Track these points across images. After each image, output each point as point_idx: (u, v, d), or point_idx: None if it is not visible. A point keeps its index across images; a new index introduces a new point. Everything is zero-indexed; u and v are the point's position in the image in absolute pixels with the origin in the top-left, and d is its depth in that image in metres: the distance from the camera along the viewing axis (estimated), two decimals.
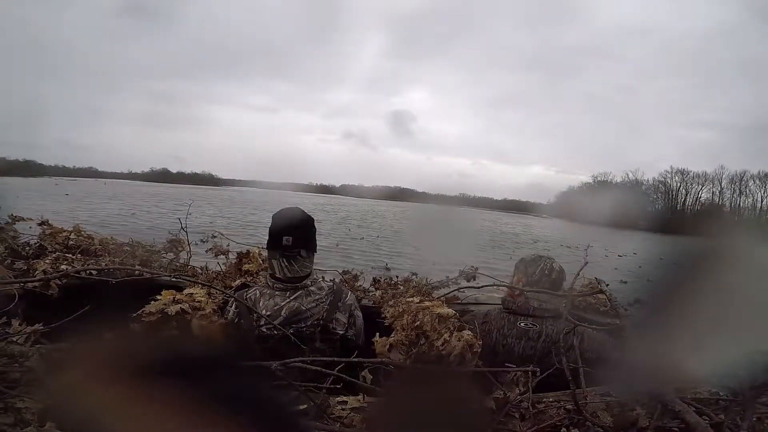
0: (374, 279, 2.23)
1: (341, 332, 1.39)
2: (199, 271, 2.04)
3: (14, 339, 1.00)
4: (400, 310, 1.39)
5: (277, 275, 1.34)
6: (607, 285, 1.48)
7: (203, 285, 1.49)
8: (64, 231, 2.10)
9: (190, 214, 2.39)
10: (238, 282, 1.73)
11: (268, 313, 1.30)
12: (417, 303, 1.38)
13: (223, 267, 1.97)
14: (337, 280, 1.43)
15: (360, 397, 0.94)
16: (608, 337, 1.40)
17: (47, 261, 1.77)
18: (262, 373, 0.87)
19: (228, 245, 2.22)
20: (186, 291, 1.27)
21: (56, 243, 2.01)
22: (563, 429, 0.86)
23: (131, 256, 2.04)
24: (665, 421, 0.84)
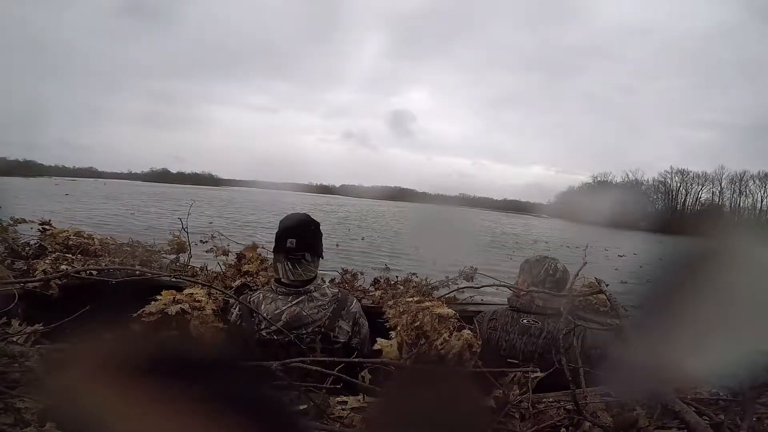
0: (374, 279, 2.23)
1: (343, 340, 1.37)
2: (199, 271, 2.04)
3: (14, 339, 1.00)
4: (400, 310, 1.39)
5: (282, 278, 1.35)
6: (607, 285, 1.49)
7: (203, 285, 1.49)
8: (64, 231, 2.10)
9: (190, 215, 2.39)
10: (238, 282, 1.72)
11: (269, 317, 1.30)
12: (417, 303, 1.38)
13: (223, 267, 1.97)
14: (342, 292, 1.42)
15: (360, 397, 0.93)
16: (609, 334, 1.41)
17: (47, 261, 1.77)
18: (262, 374, 0.87)
19: (228, 245, 2.22)
20: (186, 291, 1.27)
21: (56, 243, 2.01)
22: (563, 429, 0.86)
23: (131, 256, 2.04)
24: (665, 421, 0.85)
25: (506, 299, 1.69)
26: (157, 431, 0.29)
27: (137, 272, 1.70)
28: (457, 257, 2.26)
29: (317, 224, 1.44)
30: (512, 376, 1.06)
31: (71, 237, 2.05)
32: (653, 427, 0.83)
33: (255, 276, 1.78)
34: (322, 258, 1.44)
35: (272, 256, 2.00)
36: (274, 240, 1.41)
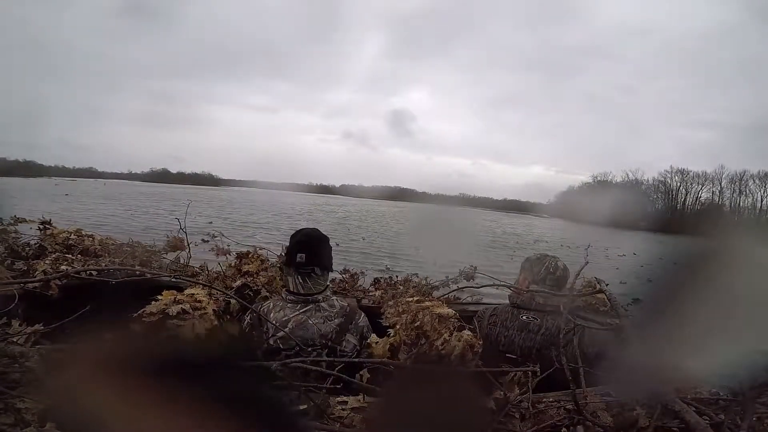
0: (374, 279, 2.23)
1: (349, 354, 1.38)
2: (199, 271, 2.04)
3: (14, 339, 1.00)
4: (400, 310, 1.39)
5: (292, 290, 1.39)
6: (607, 285, 1.50)
7: (203, 285, 1.49)
8: (64, 231, 2.10)
9: (189, 215, 2.39)
10: (238, 282, 1.73)
11: (277, 324, 1.33)
12: (417, 303, 1.38)
13: (223, 267, 1.97)
14: (350, 305, 1.44)
15: (360, 397, 0.94)
16: (609, 334, 1.42)
17: (47, 261, 1.77)
18: (262, 374, 0.87)
19: (228, 245, 2.22)
20: (187, 291, 1.27)
21: (56, 243, 2.01)
22: (563, 429, 0.86)
23: (131, 257, 2.04)
24: (665, 421, 0.84)
25: (507, 297, 1.70)
26: (157, 431, 0.29)
27: (137, 272, 1.70)
28: (457, 257, 2.27)
29: (326, 238, 1.48)
30: (512, 375, 1.06)
31: (71, 237, 2.06)
32: (653, 427, 0.83)
33: (255, 276, 1.78)
34: (332, 271, 1.48)
35: (271, 255, 2.01)
36: (284, 252, 1.48)
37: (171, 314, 1.15)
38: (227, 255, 2.11)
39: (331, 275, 2.04)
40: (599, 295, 1.74)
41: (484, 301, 2.01)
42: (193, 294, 1.26)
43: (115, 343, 0.33)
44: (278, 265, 1.79)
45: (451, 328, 1.23)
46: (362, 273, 2.28)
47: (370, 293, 2.04)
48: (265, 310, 1.38)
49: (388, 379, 1.07)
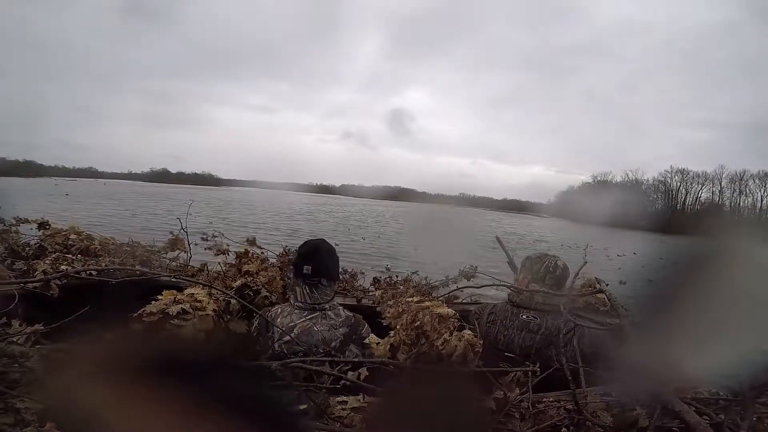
0: (374, 279, 2.23)
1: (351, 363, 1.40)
2: (199, 271, 2.03)
3: (14, 339, 1.00)
4: (400, 309, 1.39)
5: (299, 300, 1.42)
6: (607, 285, 1.50)
7: (203, 285, 1.49)
8: (64, 231, 2.10)
9: (189, 215, 2.39)
10: (238, 282, 1.72)
11: (283, 329, 1.36)
12: (417, 303, 1.38)
13: (223, 267, 1.97)
14: (355, 316, 1.46)
15: (360, 397, 0.94)
16: (606, 333, 1.42)
17: (47, 261, 1.77)
18: (262, 373, 0.87)
19: (228, 245, 2.22)
20: (187, 291, 1.27)
21: (56, 243, 2.01)
22: (563, 429, 0.86)
23: (131, 256, 2.04)
24: (665, 421, 0.84)
25: (507, 295, 1.70)
26: (156, 431, 0.29)
27: (137, 272, 1.70)
28: (457, 258, 2.27)
29: (333, 249, 1.52)
30: (512, 375, 1.06)
31: (71, 237, 2.05)
32: (653, 427, 0.83)
33: (255, 276, 1.78)
34: (339, 281, 1.53)
35: (273, 256, 2.01)
36: (292, 264, 1.52)
37: (171, 314, 1.15)
38: (226, 255, 2.11)
39: None
40: (599, 295, 1.74)
41: (483, 301, 2.01)
42: (193, 294, 1.27)
43: (115, 343, 0.33)
44: (286, 279, 1.83)
45: (451, 328, 1.23)
46: (362, 273, 2.28)
47: (370, 293, 2.04)
48: (273, 315, 1.41)
49: (388, 379, 1.07)
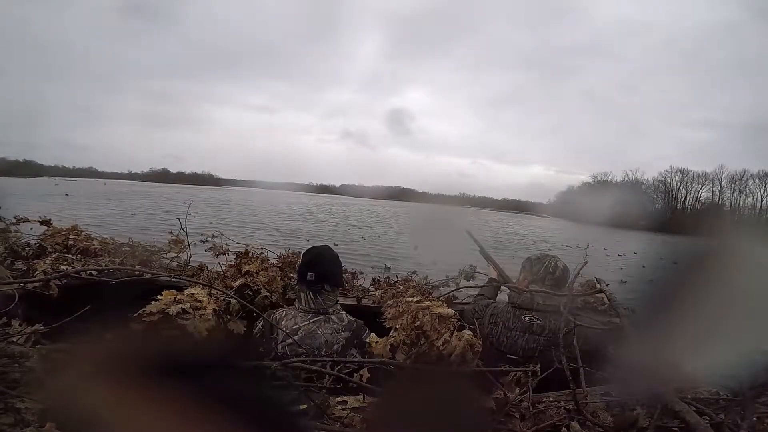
0: (374, 279, 2.23)
1: (354, 367, 1.41)
2: (199, 271, 2.03)
3: (14, 339, 1.00)
4: (400, 310, 1.39)
5: (304, 306, 1.45)
6: (607, 285, 1.50)
7: (203, 285, 1.49)
8: (64, 231, 2.10)
9: (190, 215, 2.39)
10: (238, 282, 1.73)
11: (287, 331, 1.38)
12: (417, 303, 1.38)
13: (222, 267, 1.97)
14: (357, 321, 1.48)
15: (360, 397, 0.94)
16: (604, 333, 1.42)
17: (47, 261, 1.77)
18: (262, 374, 0.87)
19: (227, 245, 2.22)
20: (187, 291, 1.27)
21: (56, 243, 2.01)
22: (563, 429, 0.86)
23: (131, 256, 2.04)
24: (665, 421, 0.84)
25: (507, 296, 1.71)
26: (156, 431, 0.29)
27: (137, 272, 1.70)
28: (457, 258, 2.27)
29: (336, 256, 1.55)
30: (513, 375, 1.06)
31: (71, 237, 2.05)
32: (653, 427, 0.83)
33: (255, 276, 1.78)
34: (342, 287, 1.57)
35: (273, 257, 2.01)
36: (296, 269, 1.55)
37: (171, 314, 1.15)
38: (226, 254, 2.11)
39: None
40: (599, 295, 1.74)
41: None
42: (193, 294, 1.26)
43: (115, 343, 0.33)
44: (291, 284, 1.85)
45: (452, 328, 1.23)
46: (360, 273, 2.28)
47: (370, 293, 2.05)
48: (277, 318, 1.44)
49: (389, 379, 1.07)
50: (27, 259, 1.88)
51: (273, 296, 1.75)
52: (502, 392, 0.93)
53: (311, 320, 1.41)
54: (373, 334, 1.40)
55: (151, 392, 0.29)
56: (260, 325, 1.46)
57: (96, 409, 0.29)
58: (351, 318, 1.48)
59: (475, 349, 1.17)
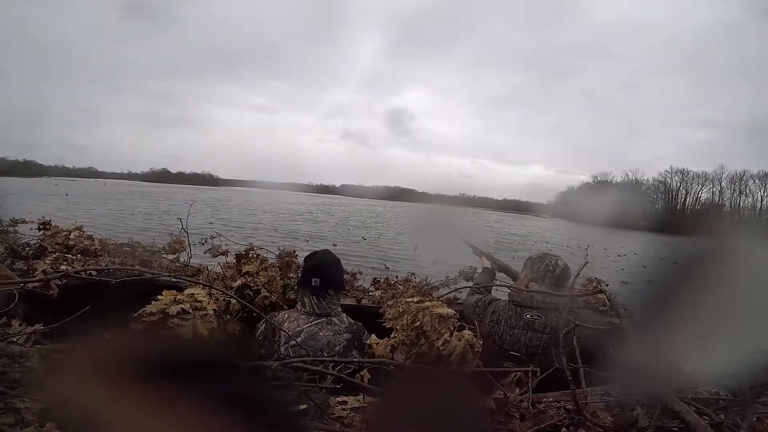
0: (374, 279, 2.23)
1: (354, 368, 1.42)
2: (199, 271, 2.03)
3: (14, 339, 1.00)
4: (400, 310, 1.39)
5: (308, 310, 1.48)
6: (607, 285, 1.50)
7: (203, 285, 1.49)
8: (64, 231, 2.10)
9: (191, 215, 2.39)
10: (238, 282, 1.72)
11: (290, 333, 1.40)
12: (417, 303, 1.38)
13: (223, 267, 1.97)
14: (357, 324, 1.50)
15: (360, 397, 0.94)
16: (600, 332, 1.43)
17: (47, 261, 1.77)
18: (263, 374, 0.87)
19: (226, 245, 2.22)
20: (187, 291, 1.27)
21: (56, 243, 2.01)
22: (563, 429, 0.86)
23: (131, 256, 2.04)
24: (665, 421, 0.84)
25: (507, 294, 1.72)
26: (156, 431, 0.29)
27: (137, 272, 1.69)
28: (457, 258, 2.27)
29: (338, 260, 1.60)
30: (513, 375, 1.06)
31: (71, 237, 2.05)
32: (653, 427, 0.83)
33: (255, 276, 1.78)
34: (344, 289, 1.62)
35: (273, 257, 2.01)
36: (299, 274, 1.60)
37: (171, 314, 1.15)
38: (225, 255, 2.11)
39: None
40: (599, 295, 1.74)
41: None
42: (193, 294, 1.27)
43: (115, 343, 0.33)
44: (291, 284, 1.87)
45: (452, 328, 1.23)
46: (360, 273, 2.28)
47: (370, 293, 2.05)
48: (280, 320, 1.46)
49: (389, 379, 1.07)
50: (27, 259, 1.88)
51: (273, 296, 1.75)
52: (502, 392, 0.93)
53: (313, 322, 1.43)
54: (373, 335, 1.41)
55: (150, 392, 0.29)
56: (263, 327, 1.48)
57: (96, 409, 0.29)
58: (351, 320, 1.50)
59: (475, 350, 1.17)
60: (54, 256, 1.85)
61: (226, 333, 1.44)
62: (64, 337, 1.05)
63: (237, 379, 0.33)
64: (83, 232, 2.15)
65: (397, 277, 2.27)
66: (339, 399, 0.93)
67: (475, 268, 2.17)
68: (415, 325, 1.28)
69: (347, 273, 2.20)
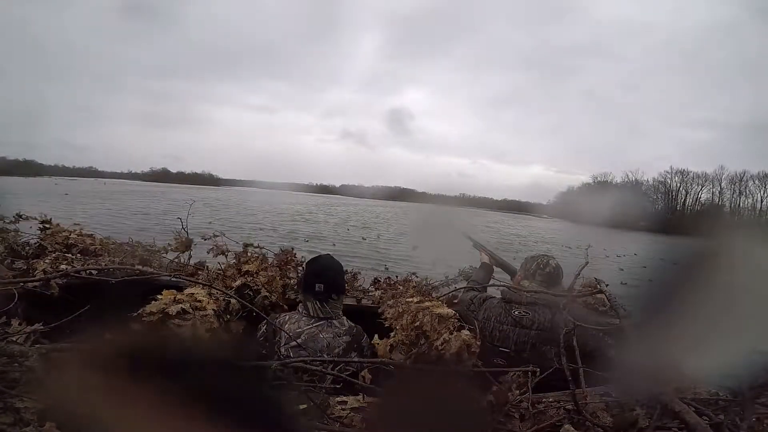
0: (374, 279, 2.23)
1: (353, 370, 1.43)
2: (199, 271, 2.03)
3: (14, 339, 1.00)
4: (400, 310, 1.40)
5: (311, 313, 1.49)
6: (607, 285, 1.51)
7: (203, 285, 1.49)
8: (64, 231, 2.09)
9: (191, 215, 2.38)
10: (238, 282, 1.72)
11: (291, 334, 1.41)
12: (417, 303, 1.38)
13: (223, 267, 1.96)
14: (357, 327, 1.52)
15: (360, 397, 0.94)
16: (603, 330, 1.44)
17: (47, 261, 1.77)
18: (263, 374, 0.87)
19: (226, 245, 2.22)
20: (187, 291, 1.27)
21: (56, 243, 2.01)
22: (563, 429, 0.86)
23: (131, 256, 2.04)
24: (665, 421, 0.84)
25: (500, 292, 1.77)
26: (156, 431, 0.29)
27: (137, 272, 1.69)
28: (456, 258, 2.28)
29: (340, 265, 1.63)
30: (512, 375, 1.06)
31: (71, 236, 2.05)
32: (653, 427, 0.83)
33: (255, 276, 1.78)
34: (345, 293, 1.63)
35: (272, 257, 2.01)
36: (301, 279, 1.61)
37: (171, 314, 1.15)
38: (225, 254, 2.11)
39: None
40: (599, 295, 1.75)
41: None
42: (193, 294, 1.26)
43: (114, 343, 0.33)
44: (291, 284, 1.89)
45: (451, 328, 1.23)
46: (360, 273, 2.28)
47: (370, 293, 2.05)
48: (281, 322, 1.47)
49: (389, 379, 1.07)
50: (27, 258, 1.88)
51: (273, 296, 1.76)
52: (502, 392, 0.93)
53: (314, 324, 1.45)
54: (375, 336, 1.41)
55: (150, 392, 0.29)
56: (263, 329, 1.49)
57: (96, 409, 0.29)
58: (351, 323, 1.52)
59: (472, 350, 1.17)
60: (54, 255, 1.84)
61: (227, 333, 1.44)
62: (64, 336, 1.05)
63: (237, 379, 0.33)
64: (83, 230, 2.15)
65: (397, 277, 2.27)
66: (339, 399, 0.93)
67: (475, 268, 2.17)
68: (415, 325, 1.28)
69: (347, 273, 2.20)
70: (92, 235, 2.16)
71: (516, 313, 1.59)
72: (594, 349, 1.34)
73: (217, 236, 2.27)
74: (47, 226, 2.09)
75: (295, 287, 1.87)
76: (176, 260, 2.15)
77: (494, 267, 2.08)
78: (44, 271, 1.65)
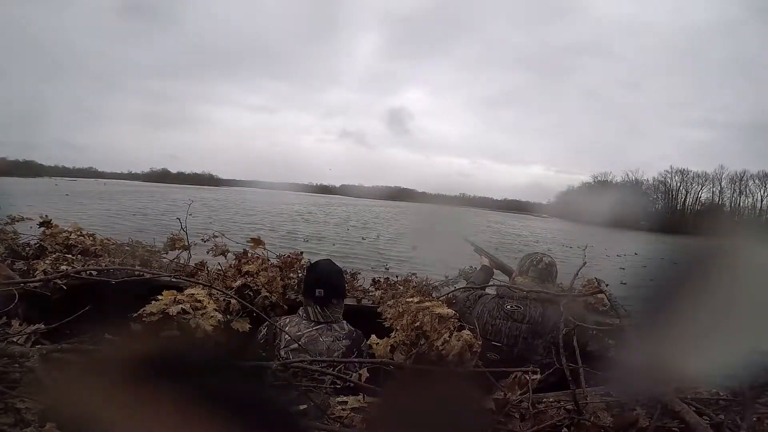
0: (374, 279, 2.23)
1: (353, 373, 1.43)
2: (199, 271, 2.03)
3: (14, 339, 1.00)
4: (400, 310, 1.39)
5: (312, 318, 1.50)
6: (607, 285, 1.51)
7: (203, 285, 1.49)
8: (64, 231, 2.09)
9: (190, 215, 2.39)
10: (238, 282, 1.72)
11: (290, 338, 1.42)
12: (417, 303, 1.38)
13: (223, 267, 1.96)
14: (357, 331, 1.53)
15: (360, 397, 0.94)
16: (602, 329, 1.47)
17: (47, 261, 1.77)
18: (263, 374, 0.87)
19: (226, 245, 2.22)
20: (187, 291, 1.27)
21: (56, 243, 2.01)
22: (563, 429, 0.86)
23: (131, 256, 2.04)
24: (665, 421, 0.84)
25: (495, 288, 1.83)
26: (156, 431, 0.29)
27: (137, 272, 1.70)
28: (456, 258, 2.28)
29: (340, 270, 1.65)
30: (512, 375, 1.06)
31: (71, 237, 2.05)
32: (653, 427, 0.83)
33: (255, 276, 1.78)
34: (346, 297, 1.63)
35: (273, 257, 2.01)
36: (302, 284, 1.62)
37: (171, 314, 1.15)
38: (225, 255, 2.11)
39: None
40: (599, 295, 1.75)
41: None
42: (193, 294, 1.26)
43: (115, 343, 0.33)
44: (291, 284, 1.89)
45: (451, 328, 1.23)
46: (359, 273, 2.28)
47: (370, 293, 2.04)
48: (282, 324, 1.48)
49: (389, 380, 1.07)
50: (27, 259, 1.88)
51: (273, 296, 1.76)
52: (502, 392, 0.93)
53: (314, 328, 1.46)
54: (373, 336, 1.41)
55: (150, 392, 0.29)
56: (264, 331, 1.50)
57: (96, 409, 0.29)
58: (351, 327, 1.53)
59: (474, 350, 1.17)
60: (54, 256, 1.85)
61: (227, 334, 1.44)
62: (65, 337, 1.05)
63: (238, 380, 0.33)
64: (83, 231, 2.15)
65: (397, 277, 2.27)
66: (339, 399, 0.93)
67: (475, 268, 2.17)
68: (415, 325, 1.28)
69: (347, 273, 2.20)
70: (93, 235, 2.16)
71: (508, 307, 1.63)
72: (584, 345, 1.35)
73: (217, 237, 2.27)
74: (48, 225, 2.09)
75: (296, 288, 1.88)
76: (176, 260, 2.15)
77: (494, 269, 2.10)
78: (45, 272, 1.65)
